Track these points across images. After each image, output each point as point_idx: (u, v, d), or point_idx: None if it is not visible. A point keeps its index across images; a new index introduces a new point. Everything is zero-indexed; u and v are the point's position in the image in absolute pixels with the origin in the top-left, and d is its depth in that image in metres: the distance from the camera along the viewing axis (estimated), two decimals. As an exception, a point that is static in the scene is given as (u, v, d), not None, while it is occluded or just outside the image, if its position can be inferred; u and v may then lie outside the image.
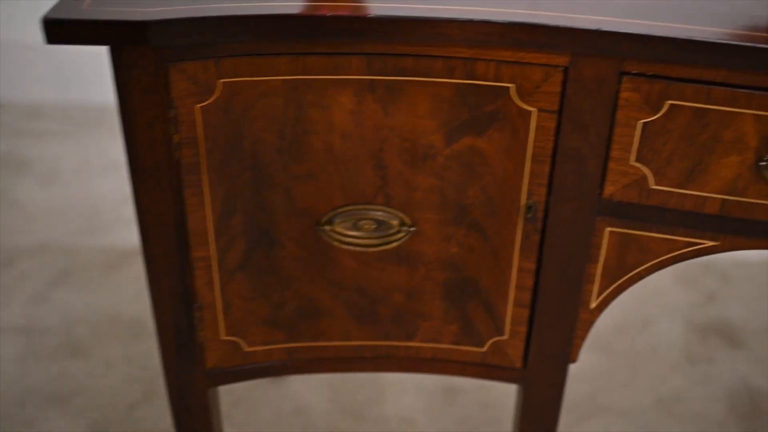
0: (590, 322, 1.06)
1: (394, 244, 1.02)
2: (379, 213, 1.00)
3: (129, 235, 2.08)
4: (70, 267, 1.97)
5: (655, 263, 1.01)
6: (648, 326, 1.84)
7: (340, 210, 1.00)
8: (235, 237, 1.01)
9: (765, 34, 0.88)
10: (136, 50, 0.89)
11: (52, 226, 2.11)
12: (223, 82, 0.92)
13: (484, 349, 1.09)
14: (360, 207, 1.00)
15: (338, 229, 1.01)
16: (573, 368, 1.74)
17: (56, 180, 2.29)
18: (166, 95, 0.91)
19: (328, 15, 0.87)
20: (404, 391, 1.68)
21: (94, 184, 2.29)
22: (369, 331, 1.09)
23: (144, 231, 0.98)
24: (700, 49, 0.86)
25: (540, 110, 0.93)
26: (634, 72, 0.90)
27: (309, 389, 1.66)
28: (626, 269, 1.02)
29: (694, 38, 0.86)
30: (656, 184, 0.95)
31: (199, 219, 0.98)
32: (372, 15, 0.88)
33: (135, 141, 0.93)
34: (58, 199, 2.21)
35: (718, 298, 1.92)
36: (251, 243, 1.02)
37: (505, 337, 1.08)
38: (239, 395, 1.65)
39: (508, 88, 0.92)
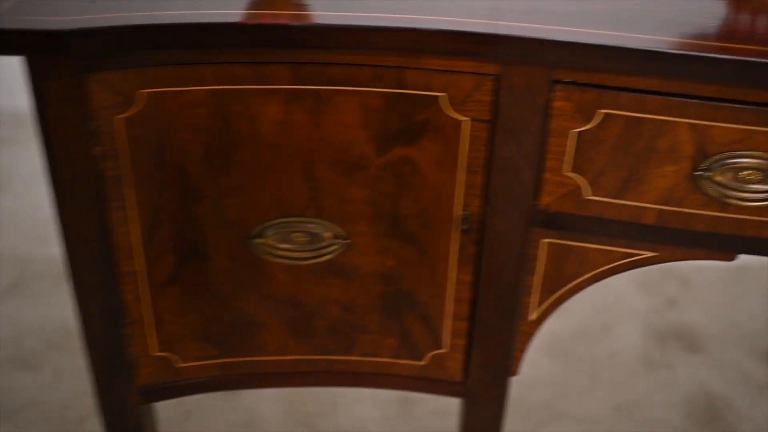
0: (530, 335, 1.04)
1: (328, 257, 0.99)
2: (311, 225, 0.98)
3: (84, 243, 2.04)
4: (21, 277, 1.93)
5: (594, 275, 0.99)
6: (607, 332, 1.83)
7: (271, 222, 0.98)
8: (164, 251, 0.98)
9: (700, 42, 0.86)
10: (52, 60, 0.86)
11: (3, 235, 2.07)
12: (146, 93, 0.89)
13: (424, 362, 1.07)
14: (292, 219, 0.98)
15: (270, 242, 0.98)
16: (531, 375, 1.73)
17: (8, 189, 2.25)
18: (85, 106, 0.88)
19: (249, 23, 0.85)
20: (358, 400, 1.65)
21: (46, 193, 2.25)
22: (306, 345, 1.06)
23: (68, 246, 0.95)
24: (631, 57, 0.84)
25: (472, 120, 0.91)
26: (566, 80, 0.88)
27: (262, 400, 1.64)
28: (564, 281, 1.00)
29: (625, 46, 0.84)
30: (592, 195, 0.93)
31: (125, 233, 0.95)
32: (295, 23, 0.85)
33: (54, 154, 0.90)
34: (10, 208, 2.17)
35: (679, 302, 1.91)
36: (181, 257, 0.99)
37: (444, 351, 1.06)
38: (191, 407, 1.62)
39: (438, 97, 0.90)
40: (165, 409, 1.60)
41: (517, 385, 1.69)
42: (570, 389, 1.70)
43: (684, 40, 0.86)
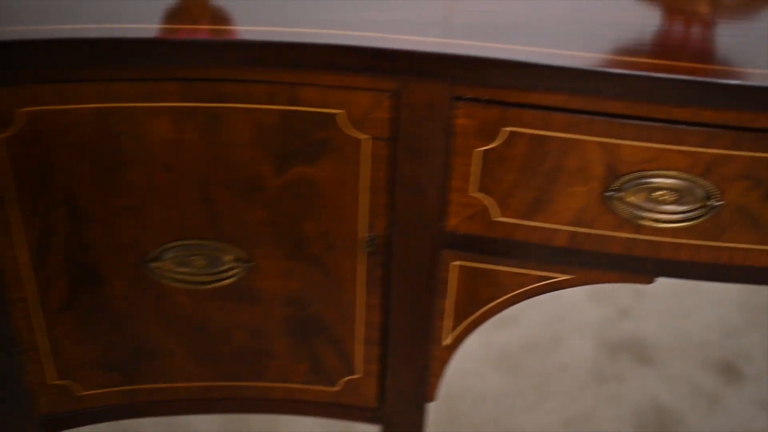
0: (445, 360, 1.00)
1: (229, 281, 0.95)
2: (211, 248, 0.93)
3: None
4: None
5: (508, 298, 0.95)
6: (558, 344, 1.78)
7: (168, 245, 0.93)
8: (56, 275, 0.93)
9: (609, 57, 0.81)
10: None
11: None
12: (26, 112, 0.84)
13: (337, 388, 1.02)
14: (190, 242, 0.93)
15: (167, 265, 0.93)
16: (479, 389, 1.68)
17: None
18: (-41, 126, 0.83)
19: (127, 38, 0.80)
20: (299, 418, 1.60)
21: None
22: (214, 371, 1.01)
23: (-49, 272, 0.91)
24: (531, 72, 0.80)
25: (372, 138, 0.86)
26: (468, 97, 0.83)
27: (200, 417, 1.59)
28: (478, 304, 0.95)
29: (523, 60, 0.79)
30: (501, 216, 0.89)
31: (12, 258, 0.91)
32: (178, 39, 0.80)
33: (-72, 177, 0.85)
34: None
35: (632, 313, 1.86)
36: (75, 281, 0.94)
37: (357, 376, 1.01)
38: (126, 425, 1.56)
39: (336, 114, 0.85)
40: (99, 426, 1.55)
41: (464, 401, 1.64)
42: (518, 403, 1.66)
43: (592, 55, 0.82)
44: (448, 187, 0.88)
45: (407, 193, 0.89)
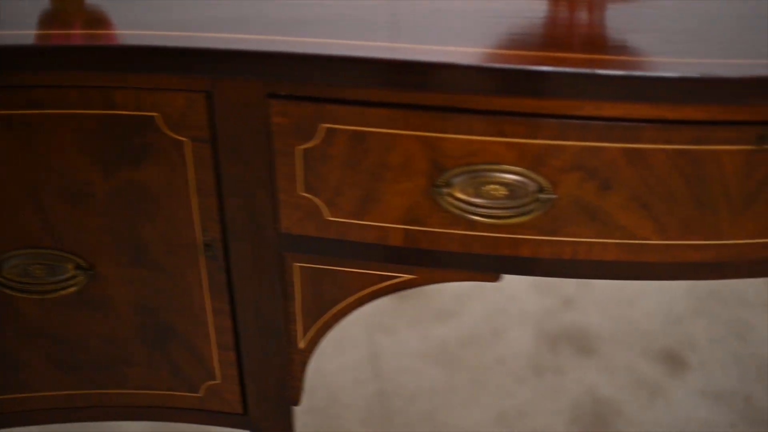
0: (303, 363, 0.97)
1: (73, 289, 0.93)
2: (51, 257, 0.91)
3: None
4: None
5: (355, 299, 0.91)
6: (498, 337, 1.74)
7: (7, 255, 0.91)
8: None
9: (417, 47, 0.78)
10: None
11: None
12: None
13: (201, 394, 1.00)
14: (28, 251, 0.91)
15: (7, 275, 0.92)
16: (414, 385, 1.65)
17: None
18: None
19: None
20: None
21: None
22: (75, 379, 1.00)
23: None
24: (340, 68, 0.77)
25: (192, 140, 0.84)
26: (282, 94, 0.80)
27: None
28: (325, 306, 0.92)
29: (329, 54, 0.76)
30: (331, 216, 0.86)
31: None
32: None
33: None
34: None
35: (576, 303, 1.81)
36: None
37: (218, 382, 0.99)
38: (57, 427, 1.56)
39: (153, 117, 0.83)
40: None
41: (398, 397, 1.62)
42: (453, 399, 1.63)
43: (397, 45, 0.78)
44: (276, 188, 0.85)
45: (236, 196, 0.86)
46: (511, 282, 1.85)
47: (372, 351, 1.70)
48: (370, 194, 0.83)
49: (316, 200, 0.85)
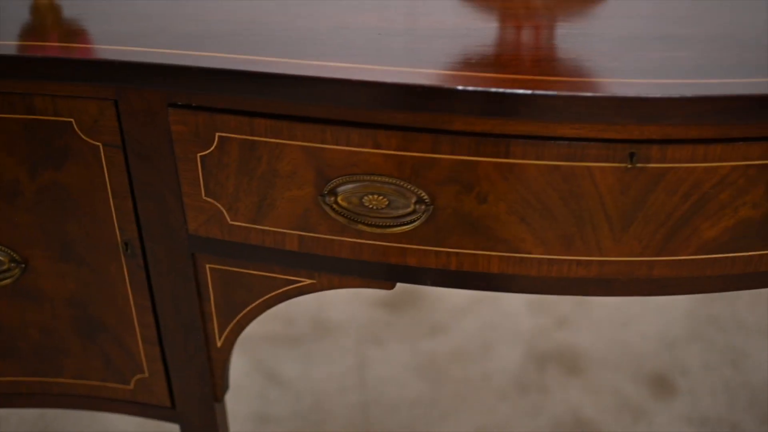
0: (222, 361, 1.02)
1: (8, 281, 1.00)
2: (-12, 250, 0.99)
3: None
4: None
5: (263, 301, 0.96)
6: (487, 352, 1.75)
7: (-49, 247, 1.00)
8: None
9: (299, 61, 0.82)
10: None
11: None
12: None
13: (131, 386, 1.06)
14: (-31, 244, 0.99)
15: (-49, 265, 1.00)
16: (394, 396, 1.67)
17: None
18: None
19: None
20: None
21: None
22: (17, 367, 1.07)
23: None
24: (229, 80, 0.81)
25: (104, 144, 0.90)
26: (180, 103, 0.86)
27: (119, 416, 1.65)
28: (236, 308, 0.97)
29: (218, 68, 0.81)
30: (232, 220, 0.90)
31: None
32: None
33: None
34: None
35: (569, 323, 1.80)
36: None
37: (146, 375, 1.05)
38: (49, 421, 1.65)
39: (70, 122, 0.89)
40: (22, 422, 1.63)
41: (379, 406, 1.65)
42: (434, 411, 1.64)
43: (281, 60, 0.82)
44: (182, 192, 0.90)
45: (148, 199, 0.92)
46: (506, 299, 1.85)
47: (360, 361, 1.74)
48: (264, 201, 0.88)
49: (218, 205, 0.90)
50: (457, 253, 0.87)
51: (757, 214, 0.84)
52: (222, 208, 0.90)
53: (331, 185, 0.85)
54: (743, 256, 0.86)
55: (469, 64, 0.81)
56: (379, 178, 0.83)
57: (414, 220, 0.85)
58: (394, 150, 0.82)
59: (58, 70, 0.85)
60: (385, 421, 1.63)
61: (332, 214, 0.86)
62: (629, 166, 0.80)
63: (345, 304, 1.87)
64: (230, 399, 1.54)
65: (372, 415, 1.64)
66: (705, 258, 0.86)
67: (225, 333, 0.99)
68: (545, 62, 0.82)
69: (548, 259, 0.86)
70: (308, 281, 0.93)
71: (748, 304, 1.82)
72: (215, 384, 1.04)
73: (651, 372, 1.68)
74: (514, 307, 1.84)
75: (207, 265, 0.95)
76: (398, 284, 0.91)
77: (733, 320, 1.80)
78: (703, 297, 1.83)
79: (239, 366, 1.72)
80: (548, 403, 1.64)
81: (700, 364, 1.70)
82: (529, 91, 0.76)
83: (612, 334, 1.76)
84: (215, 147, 0.86)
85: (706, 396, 1.64)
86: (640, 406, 1.62)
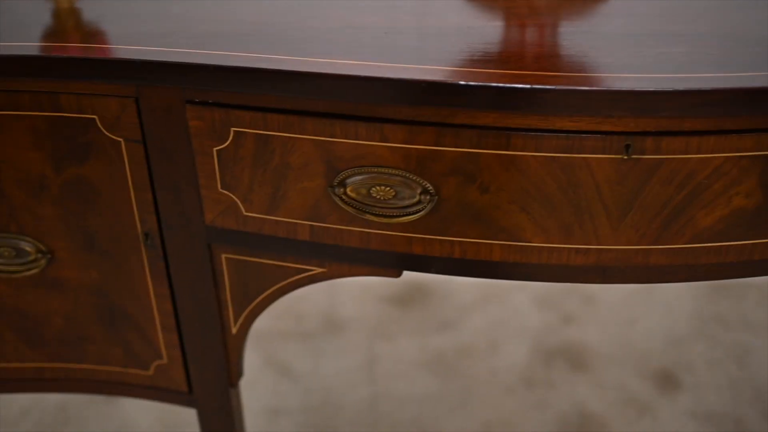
0: (237, 347, 1.06)
1: (35, 270, 1.05)
2: (16, 241, 1.03)
3: None
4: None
5: (276, 289, 1.00)
6: (494, 349, 1.79)
7: (-21, 238, 1.04)
8: None
9: (300, 59, 0.86)
10: None
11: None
12: None
13: (151, 372, 1.11)
14: (-1, 235, 1.04)
15: (-18, 256, 1.05)
16: (403, 391, 1.71)
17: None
18: None
19: None
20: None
21: None
22: (42, 353, 1.12)
23: None
24: (239, 77, 0.86)
25: (126, 140, 0.94)
26: (197, 100, 0.90)
27: (138, 407, 1.70)
28: (251, 296, 1.01)
29: (232, 66, 0.86)
30: (247, 211, 0.95)
31: None
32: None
33: None
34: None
35: (576, 320, 1.84)
36: None
37: (165, 361, 1.09)
38: (70, 413, 1.69)
39: (93, 119, 0.94)
40: (44, 414, 1.68)
41: (387, 401, 1.68)
42: (441, 406, 1.68)
43: (293, 58, 0.87)
44: (200, 185, 0.95)
45: (166, 191, 0.96)
46: (514, 296, 1.89)
47: (370, 356, 1.78)
48: (278, 192, 0.92)
49: (234, 197, 0.94)
50: (460, 242, 0.91)
51: (750, 203, 0.88)
52: (237, 200, 0.94)
53: (341, 177, 0.89)
54: (737, 244, 0.90)
55: (472, 60, 0.86)
56: (386, 170, 0.88)
57: (419, 210, 0.89)
58: (400, 143, 0.86)
59: (81, 69, 0.90)
60: (393, 415, 1.67)
61: (342, 205, 0.90)
62: (625, 157, 0.84)
63: (355, 300, 1.91)
64: (243, 393, 1.59)
65: (381, 409, 1.68)
66: (700, 246, 0.90)
67: (240, 320, 1.04)
68: (545, 58, 0.87)
69: (548, 247, 0.90)
70: (319, 270, 0.97)
71: (756, 304, 1.85)
72: (230, 370, 1.08)
73: (656, 368, 1.72)
74: (521, 304, 1.88)
75: (223, 255, 1.00)
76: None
77: (738, 318, 1.83)
78: (709, 295, 1.86)
79: (252, 361, 1.76)
80: (554, 398, 1.68)
81: (705, 360, 1.73)
82: (528, 86, 0.80)
83: (618, 332, 1.80)
84: (231, 141, 0.91)
85: (710, 391, 1.67)
86: (645, 401, 1.65)
